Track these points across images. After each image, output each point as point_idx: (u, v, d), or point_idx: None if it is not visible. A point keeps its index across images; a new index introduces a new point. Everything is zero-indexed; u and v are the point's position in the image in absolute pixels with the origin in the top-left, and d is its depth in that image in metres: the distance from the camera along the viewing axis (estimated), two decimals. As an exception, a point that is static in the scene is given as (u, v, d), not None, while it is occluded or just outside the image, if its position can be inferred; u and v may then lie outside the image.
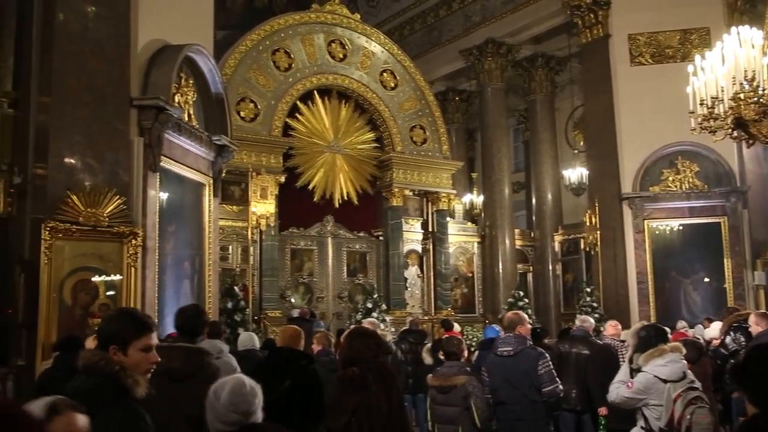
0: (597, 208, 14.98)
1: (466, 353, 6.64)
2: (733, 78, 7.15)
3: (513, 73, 18.91)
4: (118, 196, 7.83)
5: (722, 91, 7.27)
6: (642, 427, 4.42)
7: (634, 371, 4.62)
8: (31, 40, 8.20)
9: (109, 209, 7.76)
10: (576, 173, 16.83)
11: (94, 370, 2.68)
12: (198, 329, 4.43)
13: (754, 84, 6.99)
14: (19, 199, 8.08)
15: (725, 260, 14.06)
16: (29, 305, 7.40)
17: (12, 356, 7.59)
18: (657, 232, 14.57)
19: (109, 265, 7.79)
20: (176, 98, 9.12)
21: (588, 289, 15.06)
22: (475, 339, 14.17)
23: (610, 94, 15.00)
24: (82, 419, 2.03)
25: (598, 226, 14.94)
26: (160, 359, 2.81)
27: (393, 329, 13.30)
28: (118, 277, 7.79)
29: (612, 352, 7.36)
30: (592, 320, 9.04)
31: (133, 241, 7.88)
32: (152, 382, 3.41)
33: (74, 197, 7.59)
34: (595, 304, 14.61)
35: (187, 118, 9.40)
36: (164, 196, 8.90)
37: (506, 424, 5.66)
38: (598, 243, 14.92)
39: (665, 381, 4.35)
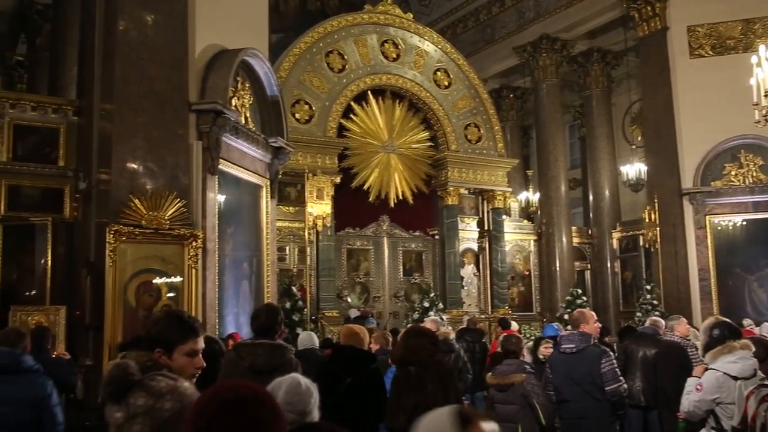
0: (656, 204, 14.70)
1: (525, 353, 6.61)
2: (799, 68, 6.95)
3: (568, 69, 18.67)
4: (178, 199, 7.99)
5: (787, 81, 7.07)
6: (713, 428, 4.29)
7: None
8: (94, 49, 8.43)
9: (170, 212, 7.91)
10: (634, 169, 16.51)
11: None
12: (273, 330, 4.55)
13: (821, 74, 6.78)
14: (84, 203, 8.33)
15: (792, 256, 13.67)
16: (95, 307, 7.61)
17: (81, 356, 7.82)
18: (719, 228, 14.22)
19: (171, 266, 7.94)
20: (233, 102, 9.26)
21: (648, 287, 14.78)
22: (532, 338, 14.03)
23: (669, 88, 14.69)
24: (490, 427, 1.83)
25: (657, 222, 14.66)
26: (204, 364, 2.73)
27: (450, 328, 13.27)
28: (179, 278, 7.94)
29: (682, 350, 7.16)
30: (663, 321, 8.85)
31: (194, 243, 8.02)
32: (241, 376, 3.71)
33: (136, 201, 7.76)
34: (655, 302, 14.35)
35: (243, 121, 9.53)
36: (222, 198, 9.04)
37: (569, 422, 5.60)
38: (658, 240, 14.64)
39: (736, 378, 4.22)
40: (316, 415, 2.86)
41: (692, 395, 4.39)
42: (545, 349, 7.03)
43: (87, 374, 7.59)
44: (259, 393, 1.69)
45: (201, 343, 2.76)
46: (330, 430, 2.94)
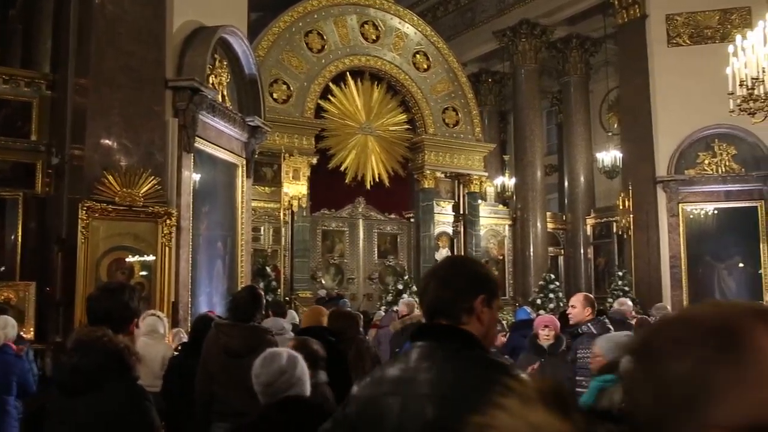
0: (630, 191, 14.82)
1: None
2: (774, 59, 7.01)
3: (547, 55, 18.70)
4: (153, 177, 7.92)
5: (763, 71, 7.13)
6: None
7: None
8: (69, 23, 8.30)
9: (144, 189, 7.85)
10: (609, 156, 16.65)
11: (95, 347, 2.61)
12: (249, 316, 4.52)
13: (796, 66, 6.85)
14: (56, 179, 8.22)
15: (761, 245, 13.86)
16: (66, 283, 7.55)
17: (50, 333, 7.75)
18: (691, 216, 14.38)
19: (144, 244, 7.89)
20: (211, 80, 9.18)
21: (620, 273, 14.94)
22: (505, 321, 14.14)
23: (646, 76, 14.77)
24: None
25: (631, 209, 14.78)
26: None
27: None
28: (152, 257, 7.89)
29: None
30: (630, 303, 8.96)
31: (168, 221, 7.97)
32: (217, 356, 3.78)
33: (110, 177, 7.69)
34: (627, 288, 14.49)
35: (221, 100, 9.45)
36: (198, 176, 8.98)
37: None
38: (631, 227, 14.78)
39: None
40: (304, 388, 2.94)
41: None
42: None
43: (56, 351, 7.53)
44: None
45: None
46: (317, 405, 2.96)
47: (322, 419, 2.09)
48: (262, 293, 4.69)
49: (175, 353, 5.47)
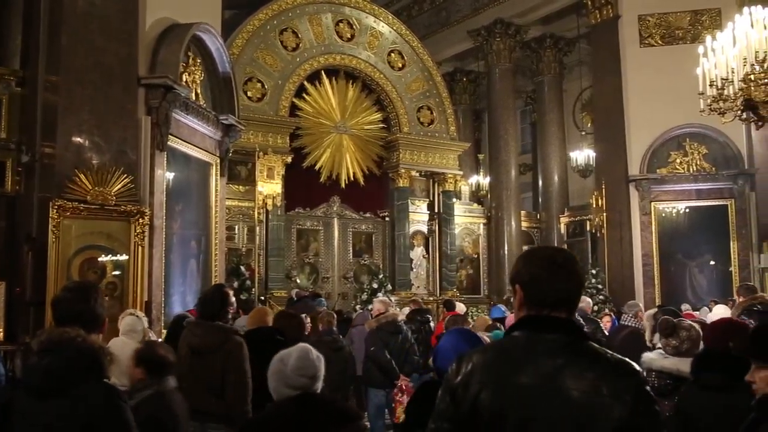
0: (604, 190, 14.95)
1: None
2: (744, 59, 7.10)
3: (521, 54, 18.81)
4: (125, 175, 7.84)
5: (732, 72, 7.22)
6: None
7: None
8: (39, 19, 8.18)
9: (117, 188, 7.77)
10: (583, 155, 16.78)
11: (70, 347, 2.59)
12: (215, 315, 4.48)
13: (765, 65, 6.94)
14: (26, 177, 8.09)
15: (731, 243, 14.06)
16: (37, 283, 7.44)
17: (20, 334, 7.64)
18: (663, 215, 14.54)
19: (117, 243, 7.81)
20: (184, 77, 9.11)
21: (593, 271, 15.06)
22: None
23: (619, 76, 14.92)
24: None
25: (604, 208, 14.92)
26: None
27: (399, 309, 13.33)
28: (125, 256, 7.82)
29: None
30: (589, 300, 9.14)
31: (141, 220, 7.89)
32: (184, 357, 3.78)
33: (82, 176, 7.60)
34: (600, 286, 14.64)
35: (194, 98, 9.38)
36: (171, 175, 8.90)
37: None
38: (605, 225, 14.91)
39: None
40: (320, 385, 2.96)
41: None
42: None
43: (26, 352, 7.42)
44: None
45: None
46: (331, 401, 3.00)
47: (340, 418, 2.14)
48: (230, 292, 4.65)
49: None
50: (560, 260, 2.05)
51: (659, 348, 4.61)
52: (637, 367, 1.97)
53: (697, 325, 4.25)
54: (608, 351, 2.00)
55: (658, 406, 1.93)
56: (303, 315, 6.47)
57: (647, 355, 4.24)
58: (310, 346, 3.04)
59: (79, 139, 7.81)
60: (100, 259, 7.73)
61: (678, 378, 3.69)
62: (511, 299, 12.84)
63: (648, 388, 1.95)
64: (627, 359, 1.98)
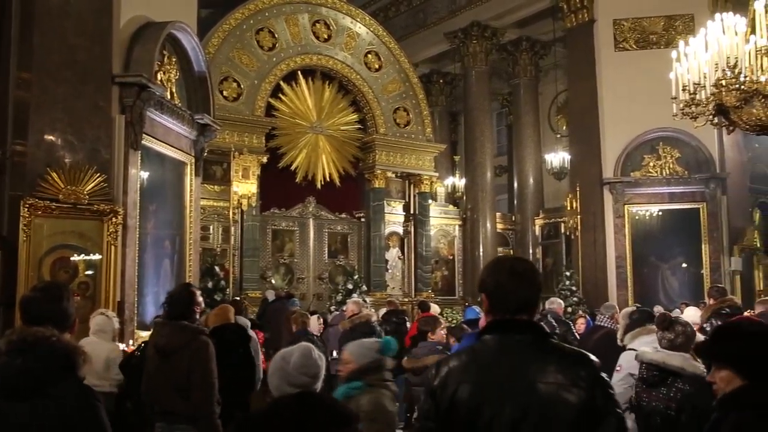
0: (578, 192, 15.07)
1: (443, 334, 6.65)
2: (716, 64, 7.18)
3: (497, 57, 18.89)
4: (98, 174, 7.76)
5: (705, 77, 7.30)
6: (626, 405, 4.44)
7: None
8: (11, 15, 8.07)
9: (90, 187, 7.68)
10: (558, 158, 16.90)
11: (44, 347, 2.52)
12: (181, 314, 4.43)
13: (736, 71, 7.02)
14: (-3, 175, 7.98)
15: (703, 246, 14.22)
16: (7, 283, 7.33)
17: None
18: (637, 218, 14.68)
19: (89, 243, 7.72)
20: (159, 76, 9.03)
21: (567, 273, 15.17)
22: (454, 321, 14.24)
23: (594, 80, 15.04)
24: None
25: (578, 210, 15.03)
26: None
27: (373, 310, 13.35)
28: (97, 255, 7.74)
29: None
30: (561, 301, 9.28)
31: (114, 220, 7.81)
32: (151, 357, 3.73)
33: (54, 174, 7.51)
34: (573, 288, 14.74)
35: (169, 97, 9.30)
36: (145, 174, 8.83)
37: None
38: (579, 227, 15.02)
39: None
40: (320, 385, 2.98)
41: (614, 377, 4.59)
42: None
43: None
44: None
45: None
46: (331, 401, 2.98)
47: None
48: (197, 291, 4.61)
49: (137, 353, 5.50)
50: (520, 269, 2.27)
51: (634, 347, 4.70)
52: (593, 358, 2.19)
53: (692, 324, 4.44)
54: (567, 346, 2.27)
55: (612, 390, 2.16)
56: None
57: (642, 348, 4.34)
58: (312, 346, 3.05)
59: (51, 137, 7.73)
60: (72, 258, 7.64)
61: (664, 370, 3.86)
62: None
63: (603, 375, 2.17)
64: (584, 351, 2.24)
